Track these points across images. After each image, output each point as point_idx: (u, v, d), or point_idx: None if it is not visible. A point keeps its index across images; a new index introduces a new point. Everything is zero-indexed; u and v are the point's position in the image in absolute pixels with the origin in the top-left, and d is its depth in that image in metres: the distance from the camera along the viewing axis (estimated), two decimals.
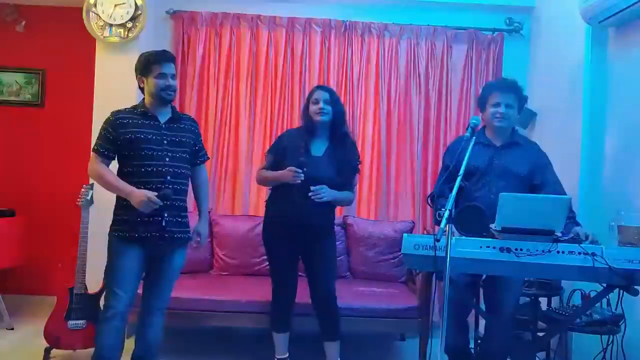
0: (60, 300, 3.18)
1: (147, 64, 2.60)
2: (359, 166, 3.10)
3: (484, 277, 2.81)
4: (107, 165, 2.62)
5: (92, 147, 2.66)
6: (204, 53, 4.18)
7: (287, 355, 3.05)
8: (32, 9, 4.46)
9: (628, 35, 3.11)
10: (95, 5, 3.75)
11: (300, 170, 2.81)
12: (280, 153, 2.99)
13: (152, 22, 3.97)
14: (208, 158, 2.90)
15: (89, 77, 3.85)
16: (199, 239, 2.80)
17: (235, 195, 4.20)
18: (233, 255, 3.79)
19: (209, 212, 3.78)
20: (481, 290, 2.90)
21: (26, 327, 3.79)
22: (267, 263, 3.15)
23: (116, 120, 2.59)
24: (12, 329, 3.77)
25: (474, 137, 2.37)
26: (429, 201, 2.74)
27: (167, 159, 2.58)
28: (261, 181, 3.15)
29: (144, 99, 2.67)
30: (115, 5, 3.75)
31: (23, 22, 4.44)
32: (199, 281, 3.54)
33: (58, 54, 4.51)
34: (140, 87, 2.66)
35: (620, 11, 2.96)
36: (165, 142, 2.59)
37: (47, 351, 3.18)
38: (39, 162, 4.54)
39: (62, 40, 4.45)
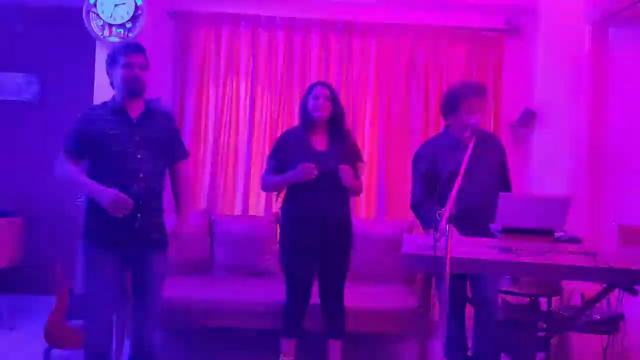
0: (60, 300, 3.18)
1: (113, 55, 2.44)
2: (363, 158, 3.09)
3: None
4: (77, 164, 2.45)
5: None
6: (204, 53, 4.18)
7: (293, 359, 3.00)
8: (32, 9, 4.46)
9: (628, 35, 3.11)
10: (95, 5, 3.75)
11: (313, 165, 2.78)
12: (282, 155, 2.95)
13: (152, 22, 3.96)
14: (188, 155, 2.67)
15: (89, 77, 3.85)
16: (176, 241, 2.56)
17: (235, 195, 4.19)
18: (233, 255, 3.78)
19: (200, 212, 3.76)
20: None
21: (26, 327, 3.79)
22: (283, 268, 3.07)
23: (85, 117, 2.45)
24: (12, 329, 3.77)
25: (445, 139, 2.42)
26: (413, 210, 2.80)
27: (139, 156, 2.40)
28: (270, 187, 3.08)
29: (115, 94, 2.48)
30: (115, 5, 3.75)
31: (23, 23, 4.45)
32: (199, 281, 3.54)
33: (58, 54, 4.50)
34: (110, 83, 2.48)
35: (621, 11, 2.96)
36: (136, 138, 2.42)
37: (47, 351, 3.18)
38: (39, 162, 4.53)
39: (62, 41, 4.45)
